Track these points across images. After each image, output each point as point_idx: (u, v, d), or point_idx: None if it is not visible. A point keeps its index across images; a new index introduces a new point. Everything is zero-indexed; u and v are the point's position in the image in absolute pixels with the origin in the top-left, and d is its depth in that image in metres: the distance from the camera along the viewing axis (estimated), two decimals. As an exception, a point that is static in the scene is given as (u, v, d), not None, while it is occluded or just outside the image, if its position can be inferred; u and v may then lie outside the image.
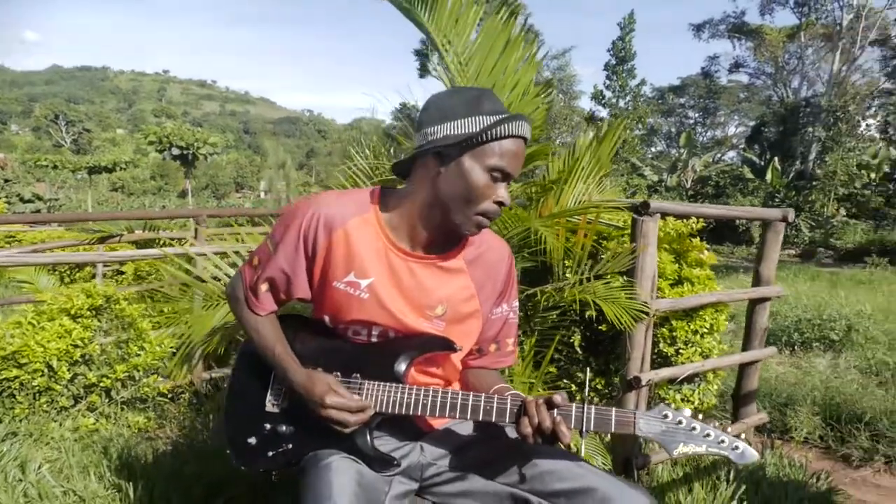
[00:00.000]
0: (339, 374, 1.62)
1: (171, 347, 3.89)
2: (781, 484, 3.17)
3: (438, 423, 1.75)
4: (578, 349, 3.28)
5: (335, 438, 1.57)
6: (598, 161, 2.85)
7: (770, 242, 3.35)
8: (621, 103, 32.24)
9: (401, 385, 1.59)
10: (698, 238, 3.31)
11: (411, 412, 1.57)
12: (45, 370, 3.46)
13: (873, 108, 31.51)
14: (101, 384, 3.65)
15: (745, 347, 3.47)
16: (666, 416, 1.46)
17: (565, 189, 2.78)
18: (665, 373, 2.86)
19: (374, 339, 1.65)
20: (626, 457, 2.71)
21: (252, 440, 1.68)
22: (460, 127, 1.49)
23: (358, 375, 1.61)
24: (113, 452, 3.10)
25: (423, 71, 48.06)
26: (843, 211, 24.69)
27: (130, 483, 2.70)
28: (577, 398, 3.16)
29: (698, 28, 37.69)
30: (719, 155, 38.77)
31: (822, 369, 5.83)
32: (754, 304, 3.42)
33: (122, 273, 4.37)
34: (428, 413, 1.56)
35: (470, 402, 1.54)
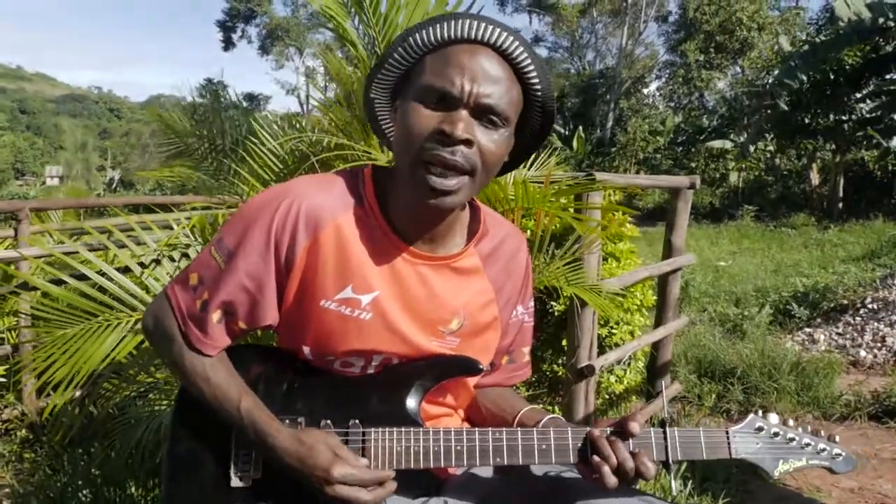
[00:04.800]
0: (328, 422, 1.18)
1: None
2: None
3: (458, 467, 1.38)
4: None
5: None
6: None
7: (680, 210, 3.29)
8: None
9: (419, 429, 1.18)
10: (620, 211, 3.18)
11: (441, 464, 1.17)
12: None
13: (662, 79, 34.62)
14: None
15: (660, 318, 3.41)
16: (760, 430, 1.20)
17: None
18: (612, 356, 2.69)
19: (370, 372, 1.24)
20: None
21: None
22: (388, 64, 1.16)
23: (357, 423, 1.19)
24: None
25: (228, 44, 45.30)
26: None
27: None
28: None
29: (502, 2, 39.25)
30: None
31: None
32: (667, 274, 3.35)
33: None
34: (465, 462, 1.18)
35: (519, 443, 1.17)
